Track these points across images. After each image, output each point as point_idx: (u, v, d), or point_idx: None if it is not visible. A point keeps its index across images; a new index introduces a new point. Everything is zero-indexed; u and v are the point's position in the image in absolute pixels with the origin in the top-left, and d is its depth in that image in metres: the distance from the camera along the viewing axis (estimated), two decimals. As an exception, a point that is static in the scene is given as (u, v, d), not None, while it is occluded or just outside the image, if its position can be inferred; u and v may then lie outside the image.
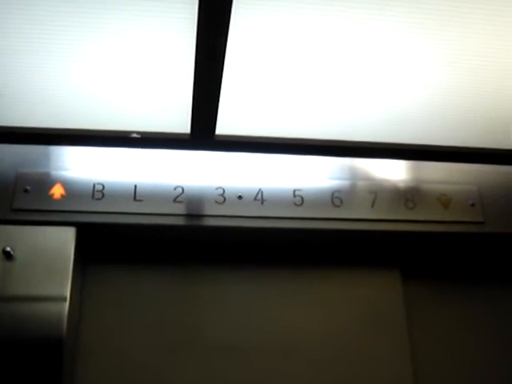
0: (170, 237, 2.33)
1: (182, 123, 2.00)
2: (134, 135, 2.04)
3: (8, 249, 2.06)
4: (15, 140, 2.12)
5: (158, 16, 1.60)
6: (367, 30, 1.68)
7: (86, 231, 2.20)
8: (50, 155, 2.27)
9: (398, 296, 2.42)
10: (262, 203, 2.29)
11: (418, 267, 2.54)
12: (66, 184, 2.21)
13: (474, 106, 2.02)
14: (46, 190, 2.19)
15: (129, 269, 2.34)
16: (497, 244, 2.49)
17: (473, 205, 2.41)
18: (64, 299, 2.05)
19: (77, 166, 2.26)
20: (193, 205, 2.26)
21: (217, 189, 2.29)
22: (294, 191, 2.33)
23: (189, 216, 2.24)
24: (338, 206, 2.33)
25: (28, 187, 2.18)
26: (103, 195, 2.21)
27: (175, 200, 2.25)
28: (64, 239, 2.13)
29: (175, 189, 2.26)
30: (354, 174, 2.42)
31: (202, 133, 2.03)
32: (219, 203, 2.27)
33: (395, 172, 2.44)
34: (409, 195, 2.39)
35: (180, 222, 2.23)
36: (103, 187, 2.22)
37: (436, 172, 2.45)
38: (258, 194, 2.30)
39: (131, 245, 2.34)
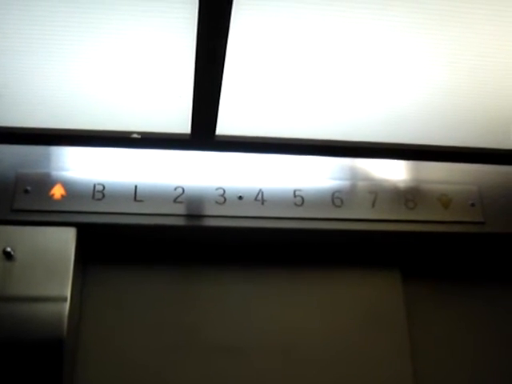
0: (171, 237, 2.33)
1: (182, 123, 2.00)
2: (135, 135, 2.04)
3: (8, 249, 2.06)
4: (15, 140, 2.12)
5: (158, 16, 1.60)
6: (367, 30, 1.68)
7: (87, 231, 2.20)
8: (51, 156, 2.27)
9: (398, 296, 2.42)
10: (263, 203, 2.29)
11: (418, 267, 2.54)
12: (66, 184, 2.21)
13: (474, 106, 2.02)
14: (46, 191, 2.19)
15: (129, 269, 2.34)
16: (497, 244, 2.49)
17: (473, 205, 2.41)
18: (64, 299, 2.05)
19: (77, 166, 2.27)
20: (193, 205, 2.26)
21: (217, 189, 2.29)
22: (295, 191, 2.33)
23: (189, 216, 2.24)
24: (339, 207, 2.33)
25: (28, 188, 2.18)
26: (103, 195, 2.21)
27: (175, 200, 2.25)
28: (64, 240, 2.13)
29: (175, 189, 2.27)
30: (354, 174, 2.42)
31: (203, 133, 2.03)
32: (219, 203, 2.27)
33: (395, 172, 2.44)
34: (409, 195, 2.39)
35: (180, 222, 2.23)
36: (103, 187, 2.22)
37: (436, 172, 2.45)
38: (258, 194, 2.30)
39: (131, 245, 2.34)
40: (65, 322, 2.02)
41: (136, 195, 2.23)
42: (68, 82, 1.83)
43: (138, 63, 1.77)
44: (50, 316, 2.03)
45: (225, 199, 2.28)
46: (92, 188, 2.22)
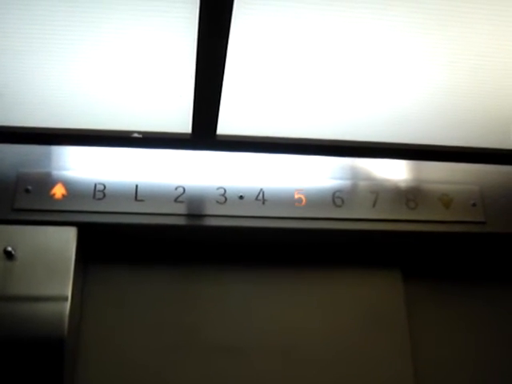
0: (171, 237, 2.33)
1: (183, 123, 2.00)
2: (135, 135, 2.04)
3: (9, 249, 2.07)
4: (16, 140, 2.12)
5: (159, 16, 1.60)
6: (368, 31, 1.68)
7: (87, 231, 2.20)
8: (51, 155, 2.27)
9: (398, 296, 2.42)
10: (264, 203, 2.29)
11: (419, 267, 2.54)
12: (67, 184, 2.21)
13: (475, 106, 2.02)
14: (47, 190, 2.19)
15: (130, 269, 2.34)
16: (498, 244, 2.49)
17: (474, 205, 2.41)
18: (65, 299, 2.05)
19: (78, 165, 2.27)
20: (194, 205, 2.26)
21: (218, 189, 2.29)
22: (296, 191, 2.33)
23: (190, 216, 2.24)
24: (340, 206, 2.33)
25: (29, 187, 2.18)
26: (104, 195, 2.22)
27: (176, 200, 2.25)
28: (65, 239, 2.13)
29: (176, 189, 2.27)
30: (355, 174, 2.42)
31: (203, 133, 2.03)
32: (220, 203, 2.27)
33: (396, 172, 2.44)
34: (410, 195, 2.39)
35: (181, 221, 2.23)
36: (104, 187, 2.23)
37: (437, 172, 2.45)
38: (259, 193, 2.30)
39: (132, 245, 2.34)
40: (65, 322, 2.02)
41: (137, 195, 2.23)
42: (68, 81, 1.83)
43: (138, 63, 1.77)
44: (50, 315, 2.03)
45: (226, 199, 2.28)
46: (93, 187, 2.22)
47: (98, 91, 1.88)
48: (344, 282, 2.43)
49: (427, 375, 2.34)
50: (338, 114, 2.04)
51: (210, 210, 2.26)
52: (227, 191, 2.29)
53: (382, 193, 2.38)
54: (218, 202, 2.27)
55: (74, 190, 2.21)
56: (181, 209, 2.24)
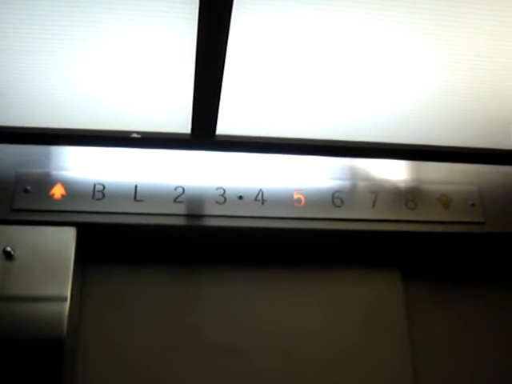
0: (171, 237, 2.33)
1: (182, 123, 2.00)
2: (135, 135, 2.04)
3: (8, 249, 2.06)
4: (15, 140, 2.12)
5: (159, 16, 1.60)
6: (367, 30, 1.68)
7: (87, 231, 2.20)
8: (51, 155, 2.27)
9: (398, 296, 2.42)
10: (263, 203, 2.29)
11: (418, 267, 2.54)
12: (66, 184, 2.21)
13: (474, 106, 2.02)
14: (46, 190, 2.19)
15: (129, 269, 2.34)
16: (497, 244, 2.49)
17: (473, 205, 2.42)
18: (64, 299, 2.05)
19: (77, 166, 2.26)
20: (193, 205, 2.26)
21: (217, 189, 2.29)
22: (295, 191, 2.33)
23: (189, 216, 2.24)
24: (339, 207, 2.33)
25: (28, 187, 2.18)
26: (104, 195, 2.21)
27: (176, 200, 2.25)
28: (64, 239, 2.13)
29: (176, 189, 2.27)
30: (354, 174, 2.42)
31: (203, 133, 2.03)
32: (220, 203, 2.27)
33: (396, 172, 2.44)
34: (409, 195, 2.39)
35: (180, 222, 2.23)
36: (104, 187, 2.22)
37: (436, 172, 2.45)
38: (258, 194, 2.30)
39: (132, 245, 2.34)
40: (65, 322, 2.01)
41: (136, 195, 2.23)
42: (68, 81, 1.83)
43: (138, 63, 1.77)
44: (50, 316, 2.03)
45: (225, 199, 2.28)
46: (92, 188, 2.22)
47: (97, 91, 1.88)
48: (343, 282, 2.43)
49: (426, 375, 2.34)
50: (337, 114, 2.04)
51: (210, 210, 2.26)
52: (226, 191, 2.29)
53: (382, 193, 2.38)
54: (217, 202, 2.27)
55: (74, 190, 2.21)
56: (180, 209, 2.24)
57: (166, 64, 1.77)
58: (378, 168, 2.43)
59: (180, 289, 2.33)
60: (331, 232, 2.32)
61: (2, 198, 2.16)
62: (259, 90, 1.91)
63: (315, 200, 2.32)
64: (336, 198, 2.34)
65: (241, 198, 2.29)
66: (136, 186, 2.24)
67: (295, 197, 2.32)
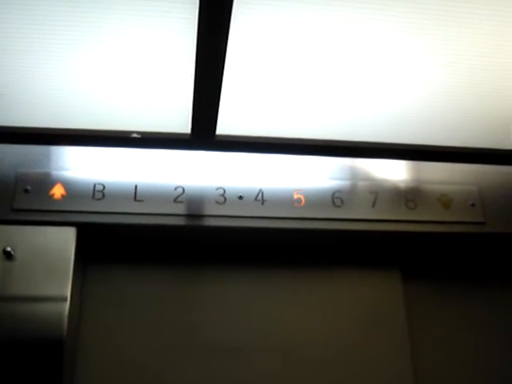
0: (171, 237, 2.33)
1: (182, 123, 2.00)
2: (135, 135, 2.04)
3: (8, 249, 2.06)
4: (15, 140, 2.11)
5: (159, 16, 1.59)
6: (367, 30, 1.68)
7: (87, 231, 2.20)
8: (51, 155, 2.27)
9: (398, 296, 2.42)
10: (263, 203, 2.29)
11: (418, 267, 2.54)
12: (66, 184, 2.21)
13: (474, 106, 2.02)
14: (46, 190, 2.19)
15: (129, 269, 2.34)
16: (497, 244, 2.49)
17: (473, 205, 2.42)
18: (64, 299, 2.05)
19: (77, 166, 2.26)
20: (193, 205, 2.26)
21: (217, 189, 2.29)
22: (295, 191, 2.32)
23: (189, 216, 2.24)
24: (339, 207, 2.33)
25: (28, 187, 2.18)
26: (104, 195, 2.21)
27: (176, 200, 2.25)
28: (64, 239, 2.13)
29: (176, 189, 2.26)
30: (354, 175, 2.42)
31: (203, 133, 2.03)
32: (220, 203, 2.27)
33: (396, 172, 2.44)
34: (409, 195, 2.39)
35: (180, 222, 2.23)
36: (104, 187, 2.22)
37: (436, 172, 2.45)
38: (258, 194, 2.30)
39: (132, 245, 2.34)
40: (65, 322, 2.01)
41: (136, 195, 2.23)
42: (68, 81, 1.83)
43: (138, 63, 1.76)
44: (49, 316, 2.03)
45: (225, 199, 2.28)
46: (92, 188, 2.22)
47: (97, 91, 1.88)
48: (343, 282, 2.43)
49: (426, 375, 2.34)
50: (337, 114, 2.04)
51: (210, 210, 2.26)
52: (226, 191, 2.29)
53: (382, 193, 2.38)
54: (217, 202, 2.27)
55: (74, 190, 2.21)
56: (180, 209, 2.24)
57: (166, 64, 1.77)
58: (378, 168, 2.43)
59: (180, 289, 2.33)
60: (331, 232, 2.32)
61: (2, 198, 2.16)
62: (259, 90, 1.91)
63: (315, 200, 2.32)
64: (336, 198, 2.34)
65: (241, 198, 2.29)
66: (136, 186, 2.24)
67: (295, 197, 2.32)
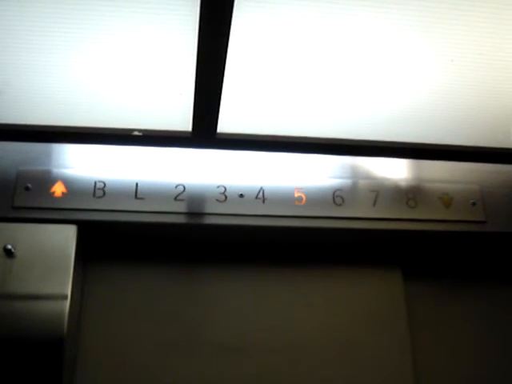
0: (171, 235, 2.33)
1: (183, 121, 2.00)
2: (136, 133, 2.04)
3: (9, 246, 2.06)
4: (16, 138, 2.11)
5: (160, 13, 1.59)
6: (369, 29, 1.68)
7: (87, 229, 2.19)
8: (51, 153, 2.27)
9: (399, 294, 2.42)
10: (264, 202, 2.29)
11: (419, 266, 2.54)
12: (67, 182, 2.21)
13: (475, 105, 2.02)
14: (47, 188, 2.19)
15: (130, 267, 2.34)
16: (498, 243, 2.49)
17: (474, 204, 2.41)
18: (65, 297, 2.04)
19: (78, 163, 2.27)
20: (194, 203, 2.26)
21: (218, 187, 2.29)
22: (296, 189, 2.32)
23: (190, 214, 2.24)
24: (340, 205, 2.33)
25: (29, 185, 2.18)
26: (104, 193, 2.21)
27: (176, 198, 2.25)
28: (65, 237, 2.13)
29: (176, 187, 2.26)
30: (355, 173, 2.42)
31: (204, 131, 2.03)
32: (220, 201, 2.27)
33: (397, 171, 2.44)
34: (410, 194, 2.39)
35: (181, 220, 2.23)
36: (104, 185, 2.22)
37: (437, 171, 2.45)
38: (259, 192, 2.30)
39: (132, 243, 2.34)
40: (65, 320, 2.01)
41: (137, 193, 2.23)
42: (69, 79, 1.83)
43: (139, 61, 1.76)
44: (50, 314, 2.03)
45: (226, 197, 2.27)
46: (93, 185, 2.22)
47: (98, 89, 1.87)
48: (344, 281, 2.43)
49: (427, 373, 2.34)
50: (338, 112, 2.04)
51: (210, 208, 2.26)
52: (227, 189, 2.29)
53: (383, 192, 2.38)
54: (218, 200, 2.27)
55: (74, 188, 2.21)
56: (181, 207, 2.24)
57: (167, 62, 1.77)
58: (379, 166, 2.43)
59: (181, 287, 2.33)
60: (332, 230, 2.32)
61: (3, 196, 2.16)
62: (260, 88, 1.90)
63: (316, 198, 2.32)
64: (337, 197, 2.34)
65: (241, 196, 2.29)
66: (137, 184, 2.24)
67: (296, 195, 2.32)
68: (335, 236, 2.38)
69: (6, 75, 1.80)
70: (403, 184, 2.41)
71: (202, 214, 2.25)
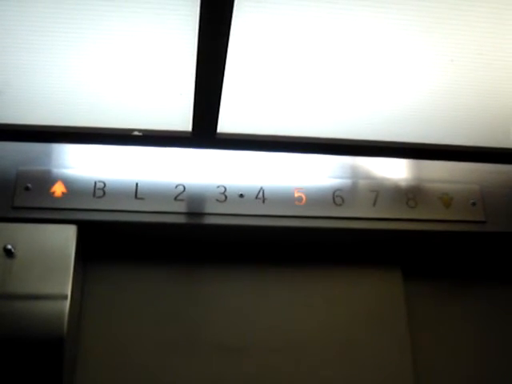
0: (171, 235, 2.33)
1: (183, 121, 2.00)
2: (136, 133, 2.04)
3: (9, 247, 2.06)
4: (16, 138, 2.11)
5: (160, 13, 1.59)
6: (369, 29, 1.68)
7: (87, 229, 2.19)
8: (51, 153, 2.27)
9: (399, 294, 2.42)
10: (264, 202, 2.29)
11: (419, 266, 2.54)
12: (66, 182, 2.21)
13: (475, 105, 2.02)
14: (47, 188, 2.19)
15: (130, 267, 2.34)
16: (498, 243, 2.49)
17: (474, 204, 2.41)
18: (65, 297, 2.04)
19: (78, 163, 2.26)
20: (194, 203, 2.26)
21: (218, 187, 2.29)
22: (296, 189, 2.32)
23: (190, 214, 2.24)
24: (340, 205, 2.33)
25: (29, 185, 2.18)
26: (104, 193, 2.21)
27: (176, 198, 2.25)
28: (65, 237, 2.13)
29: (176, 187, 2.26)
30: (355, 173, 2.42)
31: (204, 131, 2.03)
32: (220, 201, 2.27)
33: (397, 171, 2.44)
34: (410, 194, 2.39)
35: (181, 220, 2.23)
36: (104, 185, 2.22)
37: (437, 171, 2.45)
38: (259, 192, 2.30)
39: (132, 243, 2.34)
40: (65, 320, 2.01)
41: (137, 193, 2.23)
42: (69, 79, 1.83)
43: (139, 60, 1.76)
44: (50, 314, 2.02)
45: (226, 197, 2.27)
46: (93, 185, 2.22)
47: (98, 89, 1.87)
48: (344, 281, 2.43)
49: (427, 373, 2.34)
50: (338, 112, 2.04)
51: (210, 208, 2.26)
52: (227, 189, 2.29)
53: (383, 191, 2.38)
54: (218, 200, 2.27)
55: (74, 188, 2.21)
56: (181, 207, 2.24)
57: (167, 62, 1.77)
58: (379, 166, 2.43)
59: (180, 287, 2.33)
60: (332, 230, 2.32)
61: (3, 196, 2.16)
62: (260, 88, 1.90)
63: (316, 198, 2.32)
64: (337, 197, 2.34)
65: (241, 196, 2.29)
66: (137, 184, 2.24)
67: (296, 195, 2.32)
68: (335, 236, 2.37)
69: (6, 75, 1.80)
70: (403, 184, 2.41)
71: (201, 214, 2.25)
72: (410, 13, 1.63)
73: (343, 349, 2.32)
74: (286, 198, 2.31)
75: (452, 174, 2.46)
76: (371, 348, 2.34)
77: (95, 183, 2.22)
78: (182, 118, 1.99)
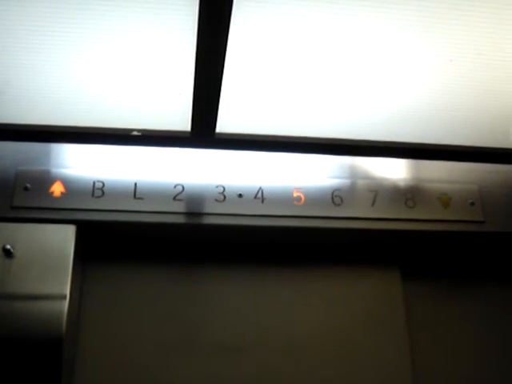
0: (170, 235, 2.32)
1: (182, 121, 2.00)
2: (135, 133, 2.04)
3: (8, 246, 2.05)
4: (15, 137, 2.11)
5: (159, 13, 1.59)
6: (369, 29, 1.68)
7: (86, 229, 2.19)
8: (50, 153, 2.26)
9: (397, 295, 2.42)
10: (263, 201, 2.29)
11: (417, 266, 2.54)
12: (66, 182, 2.21)
13: (474, 105, 2.02)
14: (45, 188, 2.19)
15: (129, 267, 2.33)
16: (497, 243, 2.49)
17: (473, 204, 2.41)
18: (64, 297, 2.04)
19: (77, 163, 2.26)
20: (193, 203, 2.26)
21: (217, 187, 2.29)
22: (295, 189, 2.32)
23: (189, 214, 2.24)
24: (339, 205, 2.33)
25: (28, 185, 2.18)
26: (103, 193, 2.21)
27: (175, 198, 2.24)
28: (64, 237, 2.12)
29: (175, 187, 2.26)
30: (354, 173, 2.41)
31: (203, 131, 2.02)
32: (219, 201, 2.27)
33: (395, 171, 2.44)
34: (409, 194, 2.39)
35: (180, 220, 2.23)
36: (103, 185, 2.22)
37: (436, 171, 2.45)
38: (258, 192, 2.30)
39: (131, 243, 2.34)
40: (64, 320, 2.01)
41: (136, 193, 2.23)
42: (68, 79, 1.82)
43: (138, 60, 1.76)
44: (49, 314, 2.02)
45: (224, 197, 2.27)
46: (92, 185, 2.21)
47: (97, 89, 1.87)
48: (343, 281, 2.43)
49: (425, 373, 2.34)
50: (337, 112, 2.04)
51: (209, 208, 2.26)
52: (226, 189, 2.29)
53: (381, 191, 2.38)
54: (216, 200, 2.27)
55: (73, 188, 2.20)
56: (180, 207, 2.24)
57: (166, 61, 1.76)
58: (377, 166, 2.43)
59: (179, 287, 2.33)
60: (331, 230, 2.32)
61: (2, 196, 2.15)
62: (260, 88, 1.90)
63: (315, 198, 2.32)
64: (335, 197, 2.34)
65: (240, 196, 2.29)
66: (136, 184, 2.24)
67: (295, 195, 2.32)
68: (334, 236, 2.37)
69: (6, 75, 1.80)
70: (402, 184, 2.41)
71: (200, 214, 2.25)
72: (410, 13, 1.63)
73: (341, 348, 2.32)
74: (285, 198, 2.31)
75: (451, 174, 2.46)
76: (369, 348, 2.34)
77: (94, 183, 2.22)
78: (180, 118, 1.99)
